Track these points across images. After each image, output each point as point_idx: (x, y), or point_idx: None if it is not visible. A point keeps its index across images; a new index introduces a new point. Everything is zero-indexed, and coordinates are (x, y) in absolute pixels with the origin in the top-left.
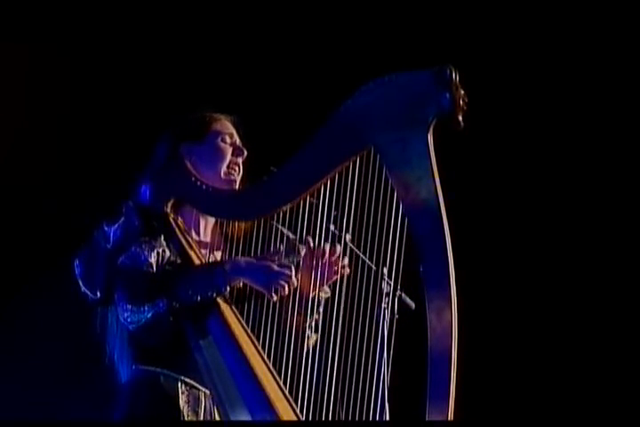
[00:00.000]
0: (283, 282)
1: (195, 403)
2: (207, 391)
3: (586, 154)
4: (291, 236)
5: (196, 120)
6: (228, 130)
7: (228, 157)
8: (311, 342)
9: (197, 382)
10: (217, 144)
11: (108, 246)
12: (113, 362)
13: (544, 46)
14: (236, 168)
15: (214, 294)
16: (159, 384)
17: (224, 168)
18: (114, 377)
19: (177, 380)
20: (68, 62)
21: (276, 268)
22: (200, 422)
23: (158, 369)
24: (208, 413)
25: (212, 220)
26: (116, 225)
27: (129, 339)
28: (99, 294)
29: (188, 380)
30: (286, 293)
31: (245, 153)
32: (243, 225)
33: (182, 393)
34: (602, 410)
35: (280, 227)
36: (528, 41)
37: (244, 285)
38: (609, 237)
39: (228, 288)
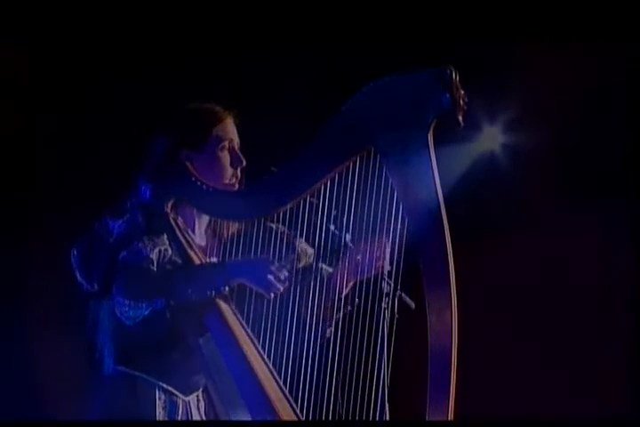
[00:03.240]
0: (280, 284)
1: (172, 409)
2: (185, 398)
3: (586, 153)
4: (287, 232)
5: (196, 123)
6: (227, 134)
7: (229, 170)
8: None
9: (177, 389)
10: (217, 155)
11: (111, 240)
12: (103, 357)
13: (544, 46)
14: (235, 179)
15: (213, 294)
16: (135, 388)
17: (225, 179)
18: (101, 371)
19: (154, 385)
20: (66, 61)
21: (274, 269)
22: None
23: (137, 372)
24: (185, 419)
25: (211, 220)
26: (121, 221)
27: (116, 337)
28: (95, 286)
29: (165, 386)
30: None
31: (244, 163)
32: (242, 225)
33: (159, 399)
34: (602, 409)
35: (273, 225)
36: (527, 41)
37: (244, 284)
38: (609, 237)
39: (227, 288)
